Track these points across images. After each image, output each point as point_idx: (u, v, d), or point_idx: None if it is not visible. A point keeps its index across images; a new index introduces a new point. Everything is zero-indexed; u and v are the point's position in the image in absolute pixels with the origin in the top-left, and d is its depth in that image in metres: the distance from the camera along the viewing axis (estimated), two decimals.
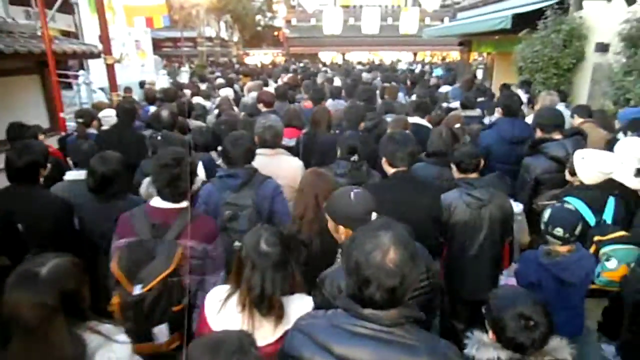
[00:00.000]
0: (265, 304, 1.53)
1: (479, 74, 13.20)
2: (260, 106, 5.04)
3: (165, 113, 4.11)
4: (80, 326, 1.33)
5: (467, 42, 13.18)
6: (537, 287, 2.33)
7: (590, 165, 2.70)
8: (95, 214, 2.44)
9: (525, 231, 3.20)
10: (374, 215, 1.75)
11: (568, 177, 2.91)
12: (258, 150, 2.99)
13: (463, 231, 2.66)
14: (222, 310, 1.60)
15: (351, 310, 1.23)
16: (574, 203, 2.54)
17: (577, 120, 4.36)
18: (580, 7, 6.66)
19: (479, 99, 6.21)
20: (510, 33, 8.01)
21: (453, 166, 2.84)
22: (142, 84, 8.55)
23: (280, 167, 2.99)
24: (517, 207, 3.09)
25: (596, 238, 2.50)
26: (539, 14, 6.98)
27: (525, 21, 7.30)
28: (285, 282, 1.57)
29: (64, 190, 2.85)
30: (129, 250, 1.89)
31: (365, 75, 10.85)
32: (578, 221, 2.25)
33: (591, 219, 2.62)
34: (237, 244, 2.37)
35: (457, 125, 3.83)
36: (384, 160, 2.64)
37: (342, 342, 1.22)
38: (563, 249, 2.28)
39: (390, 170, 2.62)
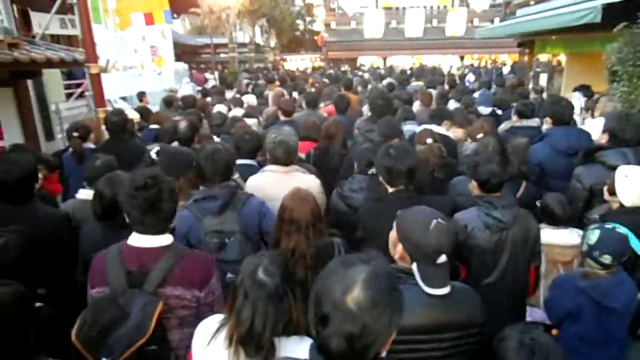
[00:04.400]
0: (253, 343, 1.34)
1: (542, 79, 11.49)
2: (281, 115, 4.81)
3: (183, 125, 3.74)
4: None
5: (528, 42, 11.50)
6: (576, 317, 2.22)
7: (633, 186, 2.44)
8: (100, 246, 2.03)
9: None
10: (442, 257, 1.57)
11: (607, 196, 2.63)
12: (268, 167, 2.84)
13: (481, 255, 2.40)
14: (210, 343, 1.43)
15: None
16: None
17: None
18: None
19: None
20: (595, 30, 6.48)
21: (473, 182, 2.53)
22: (139, 96, 7.71)
23: (293, 184, 2.59)
24: (577, 237, 2.67)
25: None
26: (637, 3, 5.39)
27: (618, 13, 5.75)
28: (280, 319, 1.37)
29: (73, 210, 2.71)
30: (94, 311, 1.59)
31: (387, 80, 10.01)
32: (628, 249, 2.14)
33: (638, 248, 2.37)
34: (229, 276, 2.21)
35: (429, 140, 3.48)
36: (381, 178, 2.46)
37: None
38: (603, 272, 2.17)
39: (390, 189, 2.43)
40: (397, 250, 1.65)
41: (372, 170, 2.78)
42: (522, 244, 2.40)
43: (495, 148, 3.00)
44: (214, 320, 1.49)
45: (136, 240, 1.75)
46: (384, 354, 1.06)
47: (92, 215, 2.35)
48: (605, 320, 2.14)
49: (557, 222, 2.80)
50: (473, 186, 2.55)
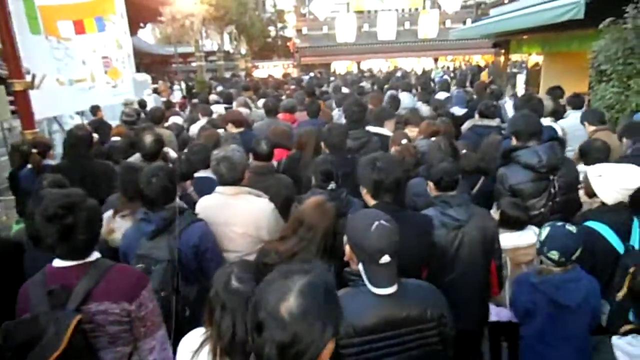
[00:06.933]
0: (238, 351, 1.39)
1: (520, 80, 11.32)
2: (229, 127, 4.68)
3: (149, 139, 3.60)
4: None
5: (503, 42, 11.32)
6: (532, 314, 2.28)
7: (609, 183, 2.47)
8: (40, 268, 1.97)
9: None
10: (385, 257, 1.60)
11: (585, 199, 2.68)
12: (218, 188, 2.70)
13: (440, 254, 2.48)
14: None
15: None
16: (598, 228, 2.44)
17: (590, 128, 4.13)
18: None
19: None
20: (573, 28, 6.26)
21: (430, 183, 2.66)
22: (93, 109, 7.24)
23: (238, 209, 2.60)
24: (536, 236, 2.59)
25: (632, 269, 2.12)
26: None
27: (601, 9, 5.50)
28: None
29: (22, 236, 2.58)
30: (11, 332, 1.52)
31: (366, 84, 10.37)
32: (578, 246, 2.18)
33: (620, 246, 2.41)
34: None
35: (404, 141, 3.62)
36: (364, 191, 2.41)
37: None
38: (557, 268, 2.23)
39: (371, 202, 2.39)
40: (347, 251, 1.75)
41: (332, 185, 2.71)
42: (479, 240, 2.50)
43: (446, 148, 3.15)
44: (194, 336, 1.52)
45: (60, 260, 1.70)
46: None
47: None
48: (560, 318, 2.20)
49: (517, 225, 2.82)
50: (431, 187, 2.65)
